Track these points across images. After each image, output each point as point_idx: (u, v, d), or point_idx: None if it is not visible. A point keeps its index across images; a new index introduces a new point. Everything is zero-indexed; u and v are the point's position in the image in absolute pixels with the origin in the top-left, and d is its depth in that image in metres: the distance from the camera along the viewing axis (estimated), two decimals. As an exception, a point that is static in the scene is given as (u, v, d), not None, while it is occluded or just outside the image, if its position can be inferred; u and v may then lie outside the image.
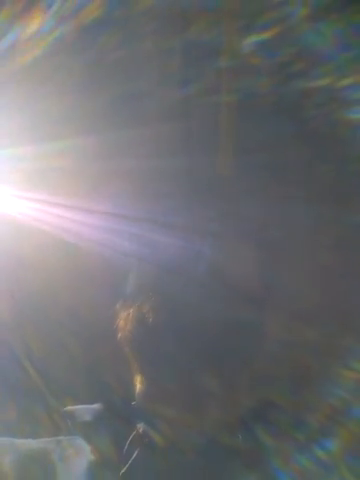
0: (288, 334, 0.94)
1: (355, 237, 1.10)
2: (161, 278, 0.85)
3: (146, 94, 1.14)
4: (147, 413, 0.87)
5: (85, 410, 0.94)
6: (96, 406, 0.95)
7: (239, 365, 0.84)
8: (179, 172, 0.96)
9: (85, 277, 1.09)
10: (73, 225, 1.05)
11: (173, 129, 1.12)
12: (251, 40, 1.10)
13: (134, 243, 0.90)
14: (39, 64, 1.11)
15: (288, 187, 1.08)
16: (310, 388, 0.96)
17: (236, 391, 0.84)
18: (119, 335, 0.89)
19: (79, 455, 0.91)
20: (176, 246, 0.86)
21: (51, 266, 1.14)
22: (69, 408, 0.95)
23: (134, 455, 0.86)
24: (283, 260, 0.96)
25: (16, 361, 1.15)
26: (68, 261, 1.11)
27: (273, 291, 0.90)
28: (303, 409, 0.93)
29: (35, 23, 1.08)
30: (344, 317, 1.07)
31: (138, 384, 0.88)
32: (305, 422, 0.91)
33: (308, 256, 1.06)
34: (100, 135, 1.11)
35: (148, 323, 0.84)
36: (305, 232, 1.06)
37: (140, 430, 0.87)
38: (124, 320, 0.88)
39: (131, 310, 0.87)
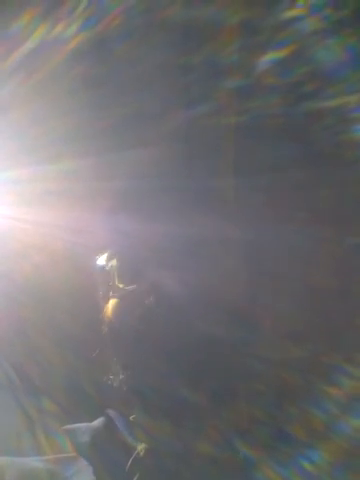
0: (275, 352, 0.95)
1: (348, 258, 1.11)
2: (154, 296, 0.87)
3: (150, 115, 1.15)
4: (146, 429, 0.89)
5: (85, 429, 0.94)
6: (95, 424, 0.95)
7: (222, 380, 0.85)
8: (180, 192, 0.96)
9: (82, 296, 1.10)
10: (72, 246, 1.08)
11: (175, 150, 1.14)
12: (264, 59, 1.10)
13: (131, 262, 0.92)
14: (43, 84, 1.12)
15: (287, 209, 1.09)
16: (295, 403, 0.96)
17: (218, 404, 0.86)
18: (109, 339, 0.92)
19: (80, 475, 0.90)
20: (172, 266, 0.87)
21: (49, 286, 1.16)
22: (69, 427, 0.95)
23: (136, 478, 0.86)
24: (275, 280, 0.98)
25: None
26: (66, 280, 1.14)
27: (262, 309, 0.92)
28: (288, 423, 0.93)
29: (46, 35, 1.09)
30: (331, 336, 1.08)
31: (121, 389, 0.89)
32: (290, 436, 0.92)
33: (299, 276, 1.07)
34: (100, 157, 1.13)
35: (134, 335, 0.87)
36: (297, 253, 1.06)
37: (141, 452, 0.87)
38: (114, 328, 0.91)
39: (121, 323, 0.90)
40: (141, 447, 0.88)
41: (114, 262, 0.92)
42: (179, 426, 0.86)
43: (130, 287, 0.88)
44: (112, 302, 0.91)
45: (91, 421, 0.97)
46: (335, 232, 1.09)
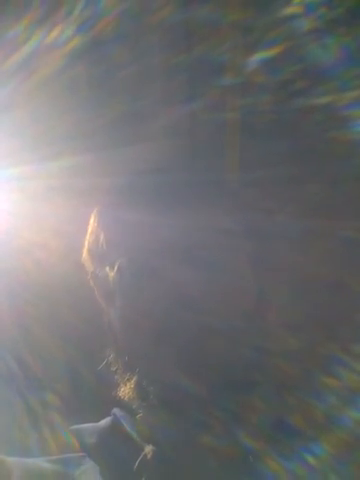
0: (274, 342, 0.95)
1: (342, 250, 1.13)
2: (173, 294, 0.85)
3: (150, 112, 1.15)
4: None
5: (92, 429, 0.93)
6: (102, 424, 0.94)
7: (223, 370, 0.85)
8: (180, 187, 0.95)
9: (84, 291, 1.10)
10: (74, 243, 1.06)
11: (176, 146, 1.14)
12: (258, 57, 1.11)
13: (132, 259, 0.90)
14: (45, 82, 1.12)
15: (280, 203, 1.10)
16: (295, 394, 0.95)
17: (219, 395, 0.85)
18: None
19: (88, 475, 0.90)
20: (173, 261, 0.86)
21: (51, 282, 1.17)
22: (76, 427, 0.94)
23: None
24: (272, 272, 0.98)
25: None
26: (68, 277, 1.14)
27: (262, 300, 0.92)
28: (289, 414, 0.92)
29: (43, 39, 1.09)
30: (327, 327, 1.10)
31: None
32: (292, 427, 0.91)
33: (296, 268, 1.08)
34: (102, 153, 1.13)
35: (151, 336, 0.86)
36: (294, 246, 1.07)
37: (149, 455, 0.86)
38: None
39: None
40: (148, 449, 0.86)
41: (119, 263, 0.89)
42: (180, 417, 0.85)
43: (143, 286, 0.87)
44: (124, 303, 0.89)
45: (95, 417, 0.97)
46: (328, 226, 1.10)
